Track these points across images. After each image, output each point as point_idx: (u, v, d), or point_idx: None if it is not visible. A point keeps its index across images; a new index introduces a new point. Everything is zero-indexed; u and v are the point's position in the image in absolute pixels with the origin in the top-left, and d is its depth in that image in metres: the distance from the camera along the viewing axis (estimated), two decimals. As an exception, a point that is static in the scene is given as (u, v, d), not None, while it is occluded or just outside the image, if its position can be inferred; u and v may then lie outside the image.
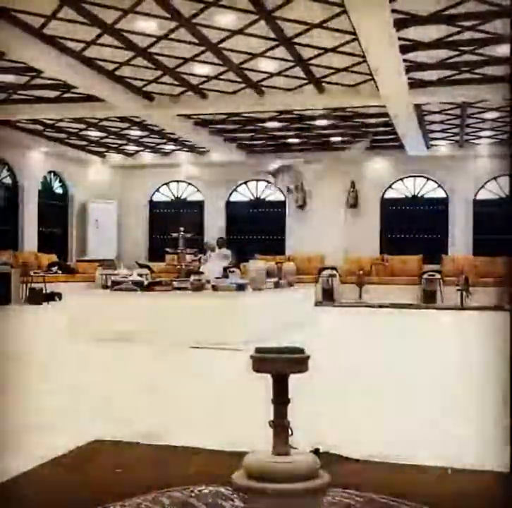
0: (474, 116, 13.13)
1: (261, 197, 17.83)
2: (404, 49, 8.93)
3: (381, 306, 13.27)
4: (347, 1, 7.09)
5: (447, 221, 16.48)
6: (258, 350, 1.82)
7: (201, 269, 8.92)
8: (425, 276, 14.49)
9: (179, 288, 7.83)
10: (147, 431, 3.22)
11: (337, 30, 8.58)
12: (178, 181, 18.32)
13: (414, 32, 8.63)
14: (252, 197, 17.88)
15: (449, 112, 12.90)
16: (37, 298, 12.89)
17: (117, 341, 6.74)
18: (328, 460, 2.16)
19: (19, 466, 2.61)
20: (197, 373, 5.27)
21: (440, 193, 16.65)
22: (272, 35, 8.86)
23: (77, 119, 13.74)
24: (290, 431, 1.81)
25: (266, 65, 10.21)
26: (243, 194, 17.93)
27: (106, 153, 17.79)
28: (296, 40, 9.04)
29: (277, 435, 1.81)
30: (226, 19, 8.47)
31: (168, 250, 10.65)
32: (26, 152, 15.71)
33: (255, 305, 7.63)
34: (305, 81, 10.85)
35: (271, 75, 10.65)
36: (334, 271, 14.95)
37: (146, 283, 7.95)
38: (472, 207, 16.24)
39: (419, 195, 16.88)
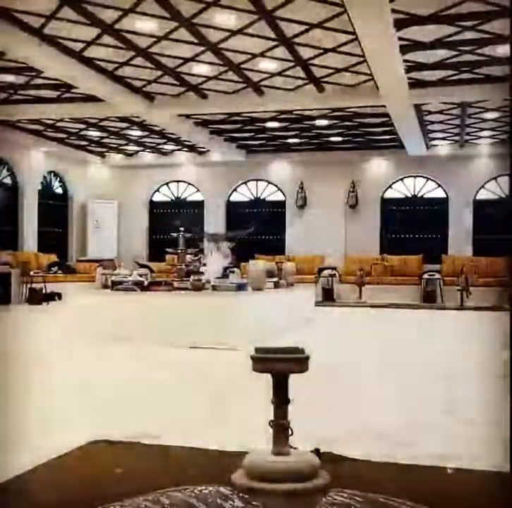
0: (474, 116, 13.12)
1: (261, 197, 17.83)
2: (404, 49, 8.93)
3: (381, 306, 13.26)
4: (347, 1, 7.09)
5: (447, 221, 16.47)
6: (258, 350, 1.82)
7: (201, 269, 8.90)
8: (425, 276, 14.49)
9: (179, 288, 7.83)
10: (147, 431, 3.22)
11: (337, 30, 8.58)
12: (178, 181, 18.32)
13: (414, 32, 8.63)
14: (252, 197, 17.88)
15: (449, 112, 12.89)
16: (37, 298, 12.88)
17: (117, 341, 6.74)
18: (328, 460, 2.15)
19: (19, 466, 2.60)
20: (197, 373, 5.27)
21: (440, 193, 16.64)
22: (272, 35, 8.86)
23: (77, 119, 13.75)
24: (290, 431, 1.81)
25: (266, 65, 10.21)
26: (243, 194, 17.93)
27: (106, 153, 17.79)
28: (296, 40, 9.04)
29: (277, 435, 1.81)
30: (226, 19, 8.46)
31: (168, 250, 10.64)
32: (26, 152, 15.70)
33: (255, 305, 7.63)
34: (305, 81, 10.86)
35: (271, 75, 10.65)
36: (334, 271, 14.95)
37: (146, 283, 7.94)
38: (472, 207, 16.24)
39: (419, 195, 16.87)
